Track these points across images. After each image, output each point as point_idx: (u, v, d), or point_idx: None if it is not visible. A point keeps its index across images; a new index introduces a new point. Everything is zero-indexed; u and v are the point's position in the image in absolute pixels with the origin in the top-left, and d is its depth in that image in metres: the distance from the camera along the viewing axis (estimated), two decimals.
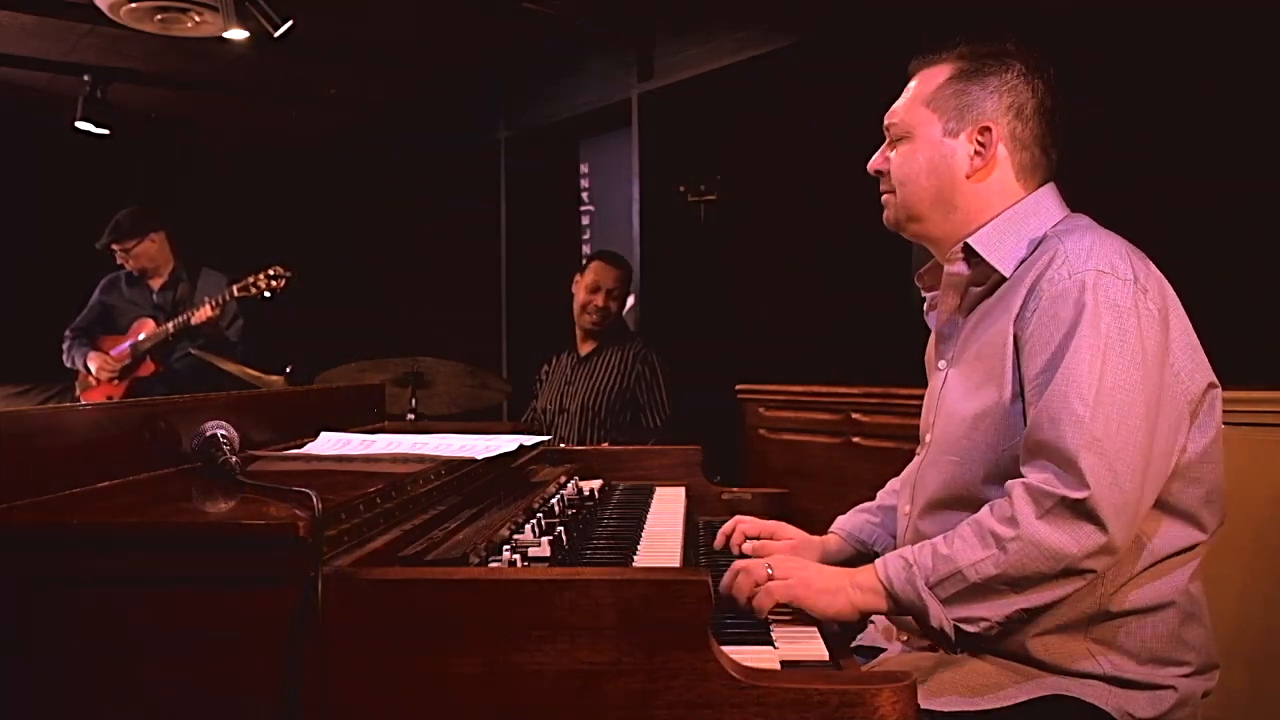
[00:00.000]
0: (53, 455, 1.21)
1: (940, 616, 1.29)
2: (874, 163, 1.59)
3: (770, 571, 1.35)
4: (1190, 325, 1.42)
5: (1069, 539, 1.25)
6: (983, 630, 1.30)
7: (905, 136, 1.53)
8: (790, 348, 4.10)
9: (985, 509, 1.32)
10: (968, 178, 1.50)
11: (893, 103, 1.59)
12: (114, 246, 4.33)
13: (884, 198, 1.59)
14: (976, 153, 1.50)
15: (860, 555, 1.72)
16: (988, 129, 1.49)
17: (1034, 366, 1.35)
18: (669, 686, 0.99)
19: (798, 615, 1.36)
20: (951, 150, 1.50)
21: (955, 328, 1.55)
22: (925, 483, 1.52)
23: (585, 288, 3.70)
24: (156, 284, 4.40)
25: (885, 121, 1.58)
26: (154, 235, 4.35)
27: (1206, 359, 1.42)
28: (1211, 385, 1.41)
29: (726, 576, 1.38)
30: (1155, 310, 1.35)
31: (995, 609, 1.29)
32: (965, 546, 1.29)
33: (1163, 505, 1.37)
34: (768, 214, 4.33)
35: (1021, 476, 1.32)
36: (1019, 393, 1.38)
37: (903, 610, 1.33)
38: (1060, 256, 1.37)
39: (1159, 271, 1.41)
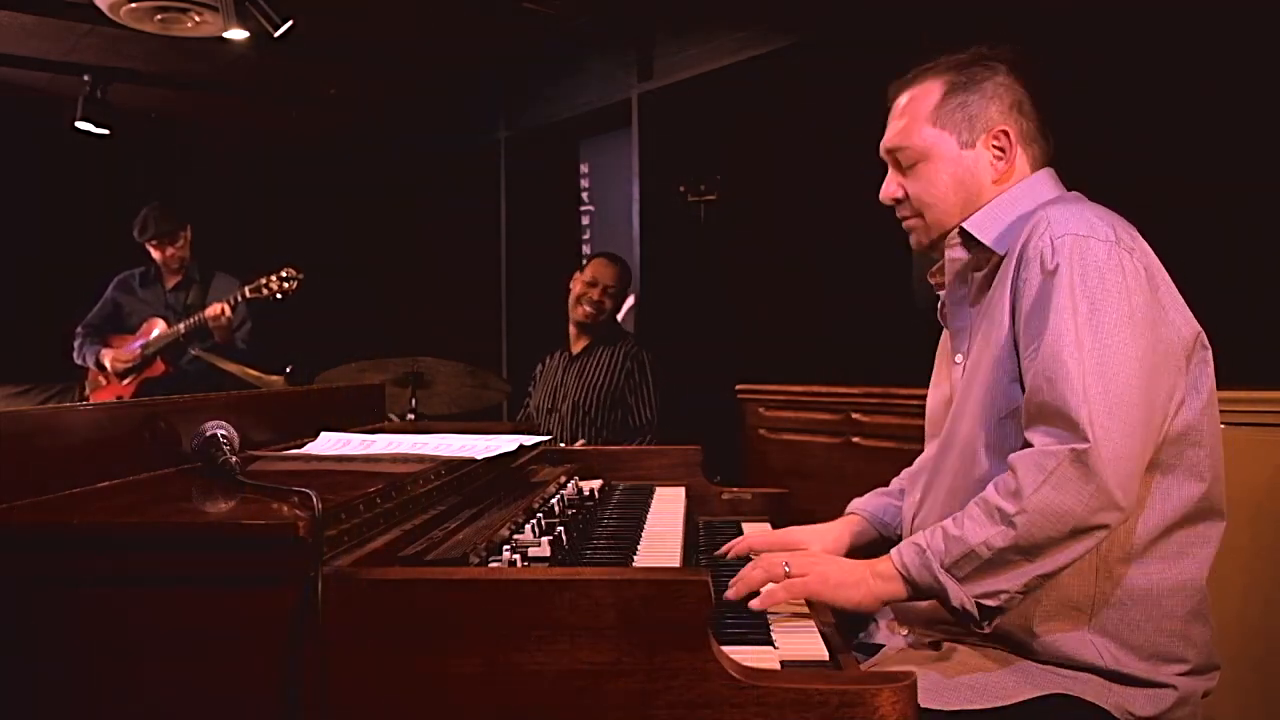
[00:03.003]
0: (53, 455, 1.22)
1: (960, 595, 1.30)
2: (888, 192, 1.58)
3: (788, 569, 1.35)
4: (1173, 285, 1.42)
5: (1073, 500, 1.26)
6: (1004, 602, 1.31)
7: (921, 159, 1.53)
8: (790, 348, 4.10)
9: (990, 486, 1.33)
10: (995, 183, 1.52)
11: (930, 64, 1.57)
12: (157, 243, 4.34)
13: (907, 223, 1.59)
14: (996, 157, 1.52)
15: (882, 538, 1.73)
16: (1004, 132, 1.51)
17: (1026, 332, 1.37)
18: (669, 686, 0.99)
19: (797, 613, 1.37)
20: (974, 160, 1.52)
21: (966, 319, 1.56)
22: (942, 468, 1.52)
23: (583, 281, 3.71)
24: (171, 283, 4.42)
25: (888, 148, 1.57)
26: (188, 227, 4.43)
27: (1190, 313, 1.43)
28: (1199, 338, 1.42)
29: (744, 570, 1.38)
30: (1140, 268, 1.36)
31: (1012, 580, 1.29)
32: (974, 525, 1.30)
33: (1163, 467, 1.38)
34: (768, 214, 4.33)
35: (1022, 442, 1.33)
36: (1015, 360, 1.40)
37: (922, 595, 1.34)
38: (1043, 224, 1.39)
39: (1143, 239, 1.42)
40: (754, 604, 1.31)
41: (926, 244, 1.58)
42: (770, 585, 1.36)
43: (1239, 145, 2.81)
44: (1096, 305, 1.31)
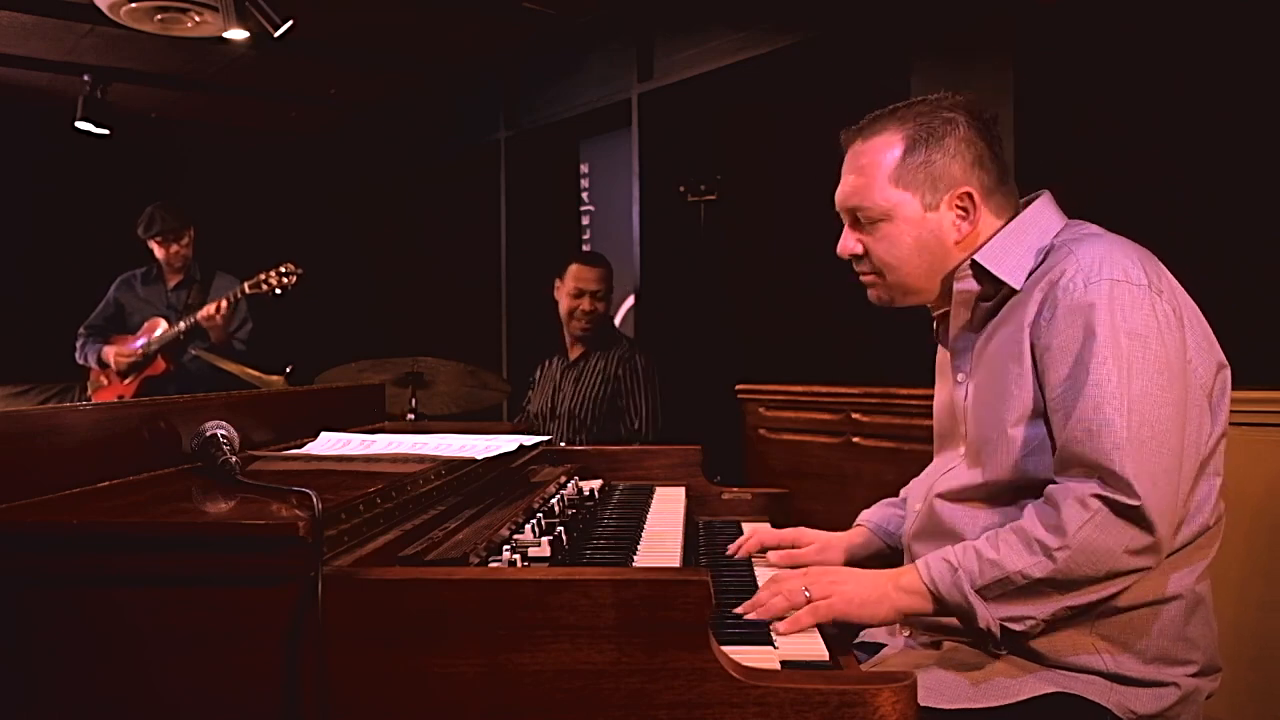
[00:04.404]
0: (53, 455, 1.21)
1: (988, 618, 1.30)
2: (847, 247, 1.54)
3: (808, 594, 1.33)
4: (1200, 313, 1.43)
5: (1116, 543, 1.26)
6: (1029, 629, 1.31)
7: (883, 219, 1.49)
8: (790, 348, 4.10)
9: (1029, 514, 1.32)
10: (957, 244, 1.49)
11: (883, 113, 1.55)
12: (161, 239, 4.36)
13: (866, 279, 1.56)
14: (959, 218, 1.49)
15: (890, 549, 1.73)
16: (968, 194, 1.48)
17: (1057, 375, 1.35)
18: (669, 686, 0.99)
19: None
20: (937, 223, 1.49)
21: (969, 342, 1.54)
22: (951, 480, 1.52)
23: (568, 294, 3.62)
24: (173, 281, 4.43)
25: (846, 204, 1.53)
26: (192, 227, 4.46)
27: (1215, 339, 1.43)
28: (1221, 366, 1.42)
29: (762, 594, 1.35)
30: (1171, 311, 1.36)
31: (1041, 609, 1.30)
32: (1011, 552, 1.29)
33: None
34: (768, 214, 4.33)
35: (1053, 481, 1.33)
36: (1039, 398, 1.38)
37: (947, 611, 1.33)
38: (1074, 265, 1.37)
39: (1166, 270, 1.42)
40: (780, 628, 1.29)
41: (887, 300, 1.56)
42: (794, 610, 1.32)
43: (1238, 146, 2.81)
44: (1136, 355, 1.31)
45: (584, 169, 5.62)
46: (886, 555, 1.73)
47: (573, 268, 3.66)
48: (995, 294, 1.48)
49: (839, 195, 1.55)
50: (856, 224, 1.53)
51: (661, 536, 1.68)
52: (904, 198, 1.48)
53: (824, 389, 3.39)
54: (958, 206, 1.48)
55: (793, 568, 1.64)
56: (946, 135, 1.48)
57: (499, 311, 5.72)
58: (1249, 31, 2.78)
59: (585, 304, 3.60)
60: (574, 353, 3.71)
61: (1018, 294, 1.45)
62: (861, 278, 1.57)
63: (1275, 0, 2.70)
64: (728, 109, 4.48)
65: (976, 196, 1.48)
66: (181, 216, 4.39)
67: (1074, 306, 1.35)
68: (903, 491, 1.79)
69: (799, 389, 3.48)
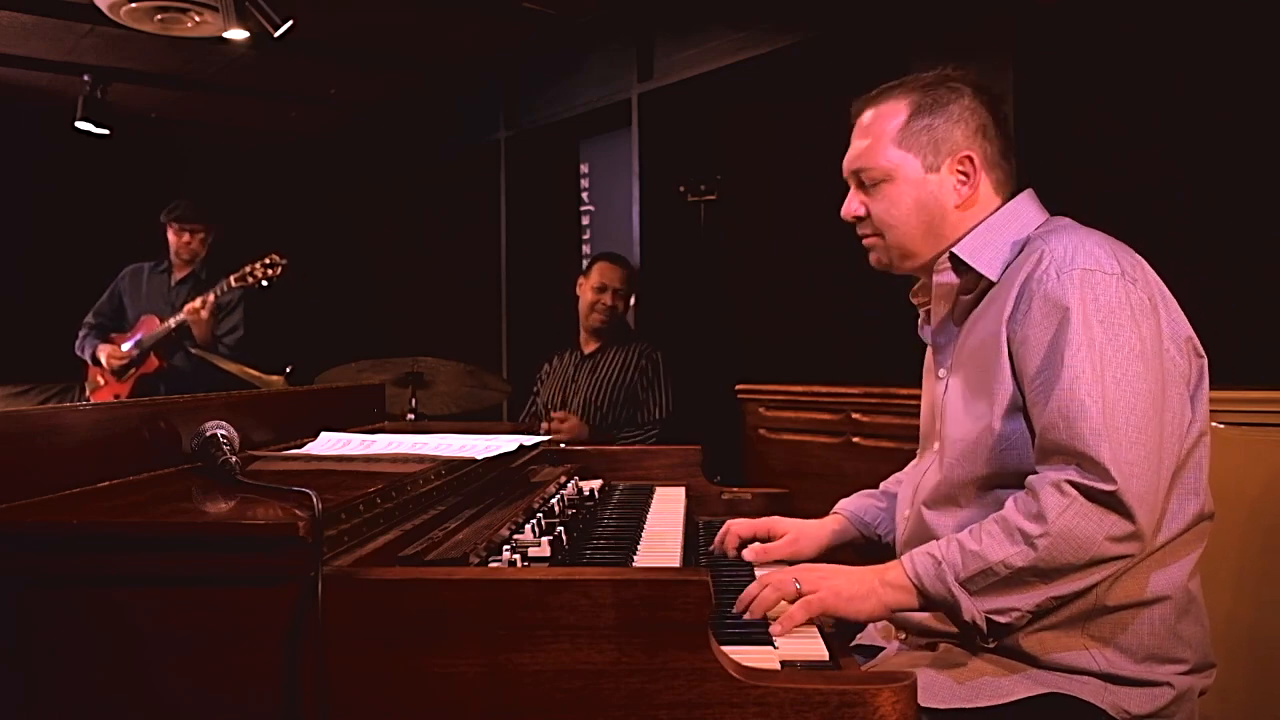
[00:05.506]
0: (53, 455, 1.22)
1: (972, 610, 1.30)
2: (850, 209, 1.58)
3: (799, 586, 1.34)
4: (1176, 304, 1.43)
5: (1097, 530, 1.26)
6: (1014, 620, 1.31)
7: (885, 179, 1.52)
8: (790, 348, 4.10)
9: (1010, 504, 1.32)
10: (957, 208, 1.52)
11: (892, 83, 1.57)
12: (178, 225, 4.42)
13: (868, 241, 1.59)
14: (960, 182, 1.51)
15: (864, 539, 1.73)
16: (969, 157, 1.51)
17: (1032, 366, 1.36)
18: (669, 686, 0.99)
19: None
20: (937, 185, 1.51)
21: (950, 336, 1.56)
22: (929, 484, 1.53)
23: (592, 287, 3.73)
24: (179, 275, 4.47)
25: (851, 167, 1.57)
26: (211, 228, 4.52)
27: (1191, 330, 1.43)
28: (1198, 355, 1.43)
29: (752, 588, 1.36)
30: (1145, 299, 1.37)
31: (1026, 599, 1.30)
32: (994, 543, 1.30)
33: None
34: (768, 214, 4.33)
35: (1034, 473, 1.33)
36: (1016, 392, 1.39)
37: (933, 606, 1.34)
38: (1047, 257, 1.39)
39: (1143, 260, 1.43)
40: (774, 629, 1.29)
41: (886, 263, 1.58)
42: (784, 605, 1.34)
43: (1235, 147, 2.82)
44: (1110, 342, 1.32)
45: (584, 169, 5.62)
46: (860, 545, 1.74)
47: (601, 264, 3.78)
48: (975, 287, 1.50)
49: (846, 159, 1.59)
50: (860, 186, 1.57)
51: (661, 536, 1.69)
52: (905, 158, 1.51)
53: (824, 389, 3.39)
54: (958, 171, 1.51)
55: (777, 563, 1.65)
56: (951, 102, 1.51)
57: (499, 311, 5.71)
58: (1249, 32, 2.78)
59: (608, 298, 3.71)
60: (589, 347, 3.78)
61: (995, 287, 1.46)
62: (863, 240, 1.60)
63: (1275, 0, 2.70)
64: (728, 109, 4.48)
65: (977, 161, 1.51)
66: (204, 212, 4.47)
67: (1047, 297, 1.36)
68: (883, 485, 1.80)
69: (799, 389, 3.48)
